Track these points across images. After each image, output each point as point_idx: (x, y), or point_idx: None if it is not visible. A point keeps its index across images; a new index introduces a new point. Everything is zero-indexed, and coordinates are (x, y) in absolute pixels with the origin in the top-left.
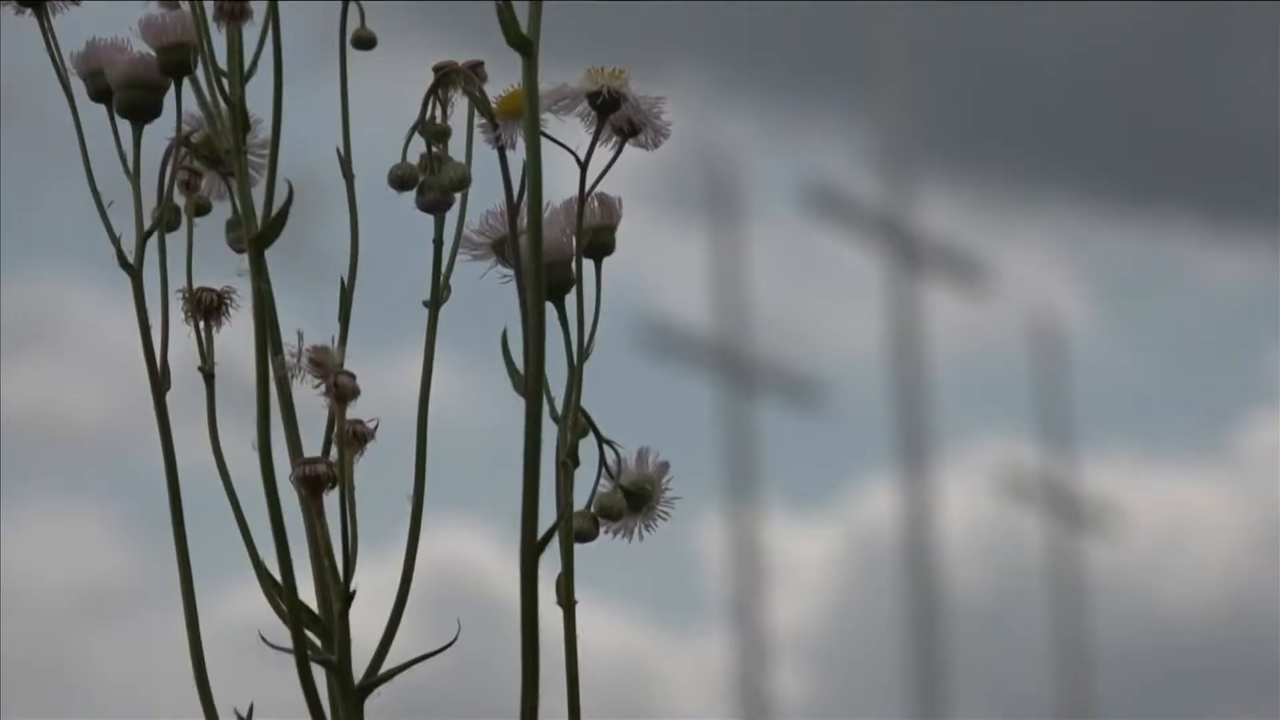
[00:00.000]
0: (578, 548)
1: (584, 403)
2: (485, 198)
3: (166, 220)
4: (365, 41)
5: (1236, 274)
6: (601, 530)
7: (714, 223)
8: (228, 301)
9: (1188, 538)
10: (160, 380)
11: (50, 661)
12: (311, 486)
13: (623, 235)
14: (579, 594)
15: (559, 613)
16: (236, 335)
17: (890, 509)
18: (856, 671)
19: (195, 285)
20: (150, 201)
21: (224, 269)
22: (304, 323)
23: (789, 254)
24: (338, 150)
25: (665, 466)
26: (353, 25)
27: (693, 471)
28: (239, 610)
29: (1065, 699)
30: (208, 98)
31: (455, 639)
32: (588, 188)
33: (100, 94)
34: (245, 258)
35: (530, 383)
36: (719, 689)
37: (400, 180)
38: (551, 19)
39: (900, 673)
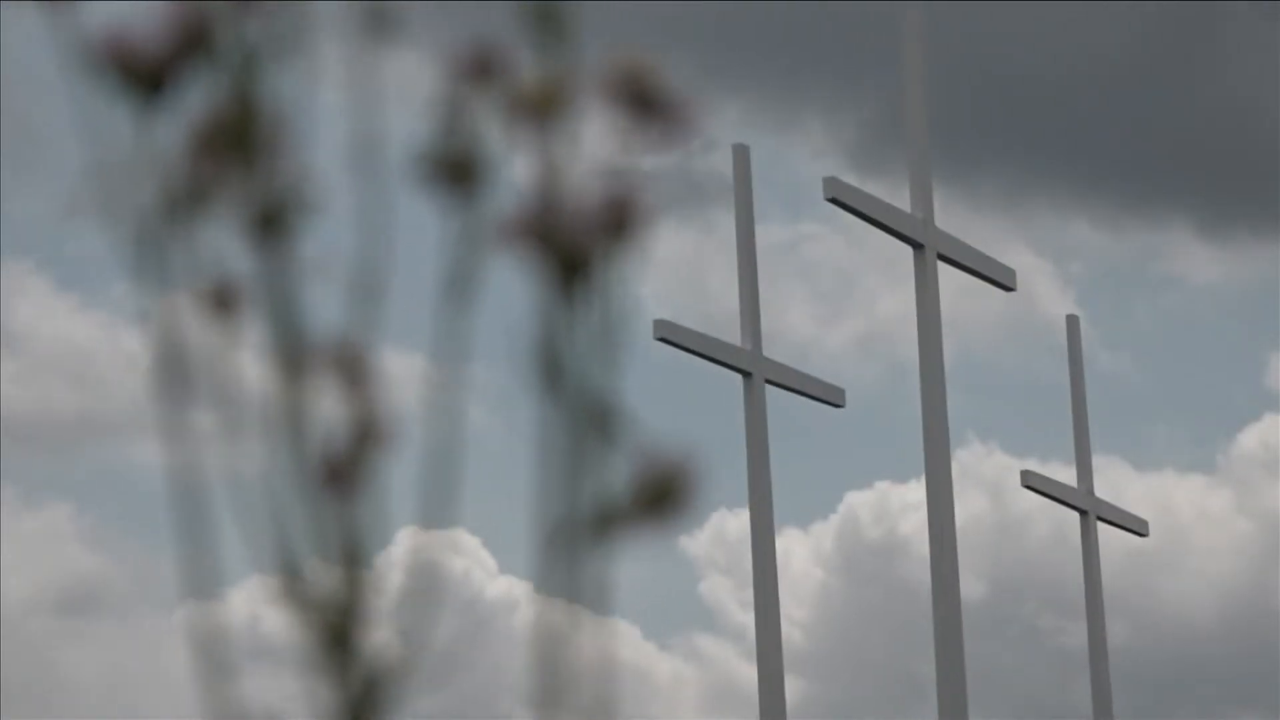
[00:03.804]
0: (613, 543)
1: (603, 398)
2: (508, 186)
3: (181, 209)
4: (389, 24)
5: (1235, 277)
6: (620, 526)
7: (718, 221)
8: (242, 294)
9: (1191, 538)
10: (170, 376)
11: (23, 663)
12: (330, 481)
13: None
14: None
15: (572, 610)
16: (251, 325)
17: (897, 512)
18: (866, 675)
19: (210, 277)
20: (163, 187)
21: (240, 260)
22: (321, 314)
23: (795, 250)
24: (357, 137)
25: (688, 462)
26: (378, 4)
27: (710, 469)
28: (231, 612)
29: (1078, 701)
30: (225, 83)
31: (463, 640)
32: (613, 177)
33: (114, 78)
34: (261, 248)
35: (551, 375)
36: (725, 694)
37: (423, 166)
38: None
39: (910, 676)
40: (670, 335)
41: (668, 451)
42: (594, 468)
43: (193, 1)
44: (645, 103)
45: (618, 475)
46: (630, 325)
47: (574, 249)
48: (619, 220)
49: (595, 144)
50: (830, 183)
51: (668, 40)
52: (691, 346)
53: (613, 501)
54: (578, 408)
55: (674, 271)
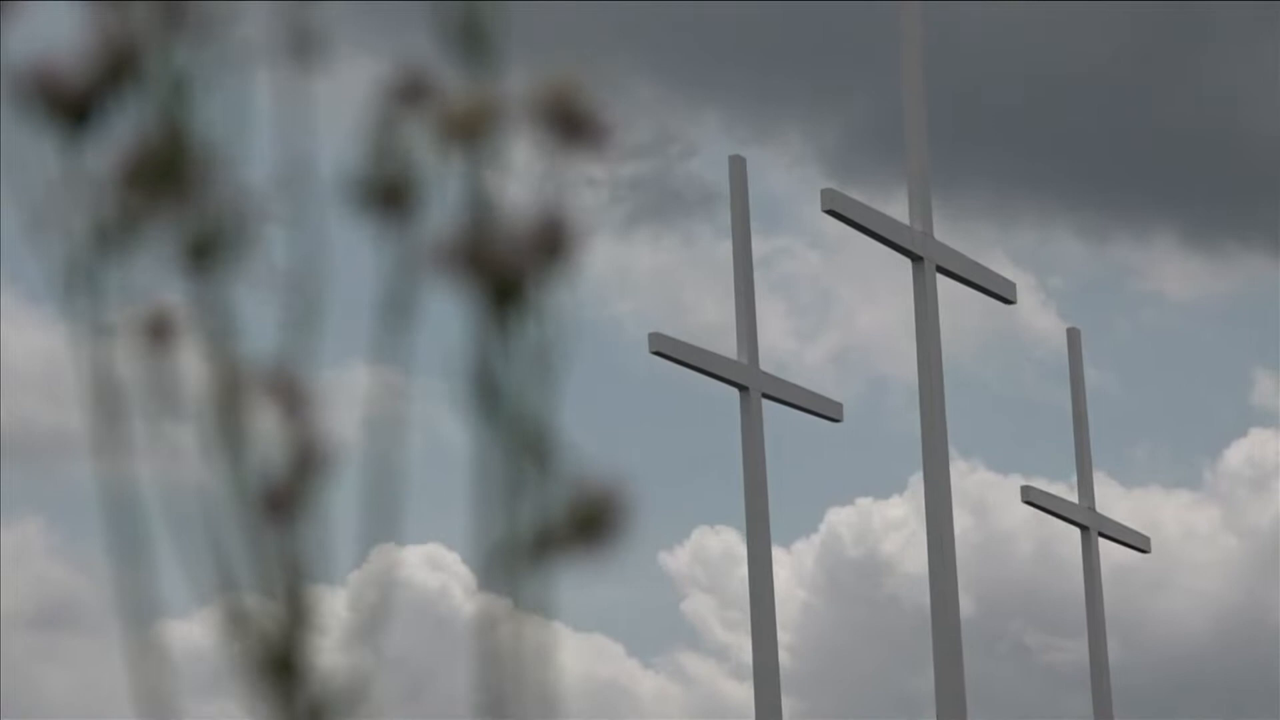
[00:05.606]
0: (549, 566)
1: (556, 420)
2: (440, 209)
3: (112, 238)
4: (317, 48)
5: (1219, 290)
6: (554, 551)
7: (696, 233)
8: (178, 319)
9: (1179, 554)
10: (107, 399)
11: None
12: (270, 507)
13: (612, 246)
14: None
15: (525, 629)
16: (187, 353)
17: (879, 528)
18: (854, 694)
19: (144, 301)
20: (93, 215)
21: (173, 285)
22: (257, 338)
23: (771, 263)
24: (291, 159)
25: (619, 489)
26: (306, 28)
27: (690, 485)
28: (175, 636)
29: (1069, 717)
30: (153, 110)
31: (437, 655)
32: (547, 198)
33: (40, 107)
34: (196, 272)
35: (486, 399)
36: (709, 712)
37: (356, 188)
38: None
39: (900, 693)
40: (666, 349)
41: (600, 478)
42: (530, 491)
43: (118, 28)
44: (573, 122)
45: (553, 499)
46: (565, 347)
47: (507, 271)
48: (552, 241)
49: (526, 165)
50: (828, 194)
51: (648, 49)
52: (688, 360)
53: (548, 525)
54: (513, 431)
55: (652, 284)
